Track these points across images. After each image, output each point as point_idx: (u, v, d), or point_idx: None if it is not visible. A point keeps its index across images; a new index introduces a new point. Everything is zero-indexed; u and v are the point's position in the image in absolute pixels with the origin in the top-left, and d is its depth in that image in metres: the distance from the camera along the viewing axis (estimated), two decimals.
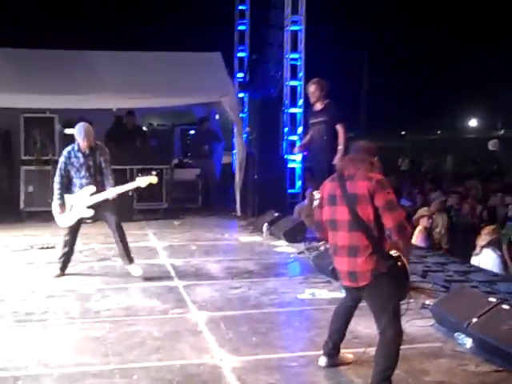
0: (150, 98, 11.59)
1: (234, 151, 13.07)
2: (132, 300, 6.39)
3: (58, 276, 7.27)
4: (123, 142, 12.01)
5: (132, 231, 9.68)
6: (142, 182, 7.37)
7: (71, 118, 12.29)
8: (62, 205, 7.27)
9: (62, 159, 7.32)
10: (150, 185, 7.47)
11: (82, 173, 7.24)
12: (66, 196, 7.30)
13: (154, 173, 7.91)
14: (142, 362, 4.78)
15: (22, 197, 11.61)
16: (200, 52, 12.76)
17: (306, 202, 10.79)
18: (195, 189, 12.57)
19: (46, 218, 11.12)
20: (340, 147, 8.19)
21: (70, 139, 11.76)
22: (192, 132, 14.13)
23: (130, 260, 7.34)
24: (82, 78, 11.50)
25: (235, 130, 12.17)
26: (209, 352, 4.99)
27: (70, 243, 7.40)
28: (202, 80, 11.69)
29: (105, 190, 7.22)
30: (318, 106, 8.61)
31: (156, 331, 5.45)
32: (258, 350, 5.05)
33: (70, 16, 26.80)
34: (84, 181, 7.25)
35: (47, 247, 8.84)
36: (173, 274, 7.52)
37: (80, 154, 7.25)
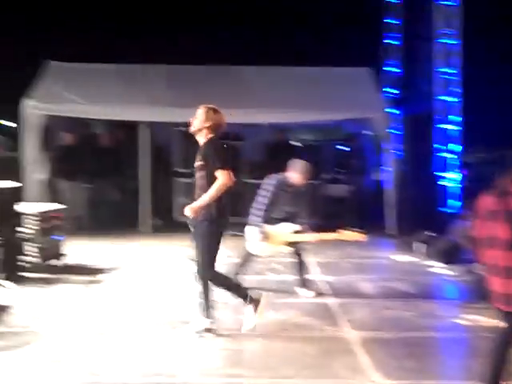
0: (301, 113, 11.64)
1: (384, 168, 12.84)
2: (285, 315, 6.40)
3: None
4: (273, 157, 12.16)
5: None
6: (349, 236, 6.96)
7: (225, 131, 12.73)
8: (265, 232, 7.12)
9: (273, 187, 7.16)
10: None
11: (287, 205, 7.18)
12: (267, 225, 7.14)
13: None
14: (295, 378, 4.77)
15: (177, 208, 12.07)
16: (348, 67, 12.73)
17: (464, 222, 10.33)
18: (347, 205, 12.48)
19: None
20: None
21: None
22: (342, 148, 14.06)
23: (303, 285, 7.27)
24: (233, 93, 11.77)
25: (385, 146, 11.98)
26: (363, 373, 4.88)
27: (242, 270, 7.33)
28: (351, 95, 11.66)
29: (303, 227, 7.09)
30: None
31: (309, 348, 5.41)
32: (412, 374, 4.87)
33: (221, 32, 27.68)
34: (287, 214, 7.17)
35: None
36: (326, 290, 7.47)
37: (289, 187, 7.19)
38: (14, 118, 11.90)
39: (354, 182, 12.65)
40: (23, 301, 6.66)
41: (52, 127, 12.09)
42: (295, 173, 7.22)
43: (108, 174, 11.95)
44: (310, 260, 9.20)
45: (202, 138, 5.69)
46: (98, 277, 7.87)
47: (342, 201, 12.42)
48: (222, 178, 5.36)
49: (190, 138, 11.94)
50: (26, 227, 7.91)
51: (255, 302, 5.70)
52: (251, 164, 12.59)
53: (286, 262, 7.74)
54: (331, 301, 6.99)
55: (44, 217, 8.05)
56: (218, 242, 5.59)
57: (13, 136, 12.45)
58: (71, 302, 6.48)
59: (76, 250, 9.07)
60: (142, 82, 12.17)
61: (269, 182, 7.23)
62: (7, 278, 7.23)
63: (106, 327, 5.71)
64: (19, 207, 7.99)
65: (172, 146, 12.59)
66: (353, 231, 7.00)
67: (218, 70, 12.74)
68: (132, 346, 5.40)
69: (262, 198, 7.12)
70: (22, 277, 7.57)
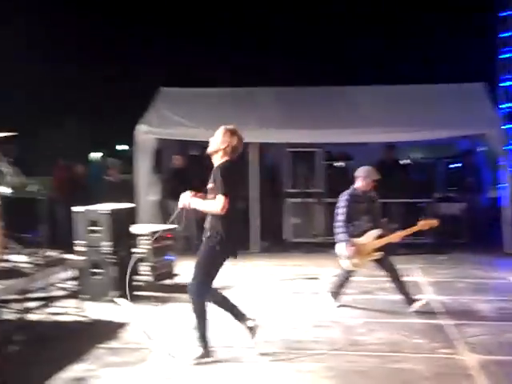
0: (412, 132, 11.40)
1: (501, 185, 12.33)
2: (397, 335, 6.22)
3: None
4: (383, 175, 11.96)
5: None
6: (424, 225, 7.21)
7: (334, 151, 12.69)
8: (353, 245, 7.12)
9: (345, 202, 7.23)
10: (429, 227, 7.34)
11: (364, 215, 7.27)
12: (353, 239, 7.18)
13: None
14: None
15: (287, 228, 12.11)
16: (463, 83, 12.38)
17: None
18: (461, 223, 12.05)
19: (310, 249, 11.58)
20: None
21: (334, 173, 12.30)
22: (456, 165, 13.63)
23: (410, 301, 7.13)
24: (343, 113, 11.78)
25: (502, 163, 11.51)
26: None
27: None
28: (464, 112, 11.35)
29: (386, 232, 7.19)
30: None
31: (424, 370, 5.22)
32: None
33: (329, 53, 27.76)
34: (366, 224, 7.25)
35: (312, 278, 9.00)
36: (439, 310, 7.19)
37: (360, 197, 7.29)
38: (130, 143, 12.37)
39: (467, 199, 12.22)
40: (137, 318, 6.82)
41: (163, 150, 12.49)
42: (361, 180, 7.33)
43: None
44: (421, 280, 8.97)
45: (217, 160, 5.61)
46: None
47: (456, 219, 12.01)
48: (218, 203, 5.32)
49: (300, 159, 12.21)
50: (140, 247, 8.13)
51: (203, 356, 5.50)
52: None
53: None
54: (445, 322, 6.72)
55: (156, 237, 8.24)
56: (219, 265, 5.55)
57: (127, 160, 12.92)
58: (183, 320, 6.56)
59: (187, 269, 9.21)
60: (251, 104, 12.35)
61: (342, 199, 7.31)
62: (121, 296, 7.44)
63: (216, 345, 5.74)
64: (133, 228, 8.23)
65: (281, 166, 12.65)
66: (426, 220, 7.26)
67: (325, 90, 12.84)
68: (243, 366, 5.40)
69: (340, 216, 7.20)
70: (136, 295, 7.78)
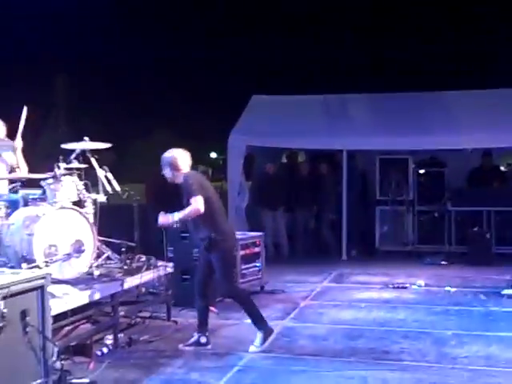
0: (509, 137, 11.02)
1: None
2: (492, 349, 5.97)
3: None
4: (480, 183, 11.68)
5: (490, 275, 9.41)
6: None
7: (424, 158, 12.42)
8: None
9: None
10: None
11: None
12: None
13: None
14: None
15: (377, 236, 11.97)
16: None
17: None
18: None
19: (401, 257, 11.39)
20: None
21: (426, 180, 12.05)
22: None
23: None
24: (435, 119, 11.54)
25: None
26: None
27: None
28: None
29: None
30: None
31: None
32: None
33: (420, 59, 27.22)
34: None
35: (401, 287, 8.84)
36: None
37: None
38: (221, 151, 12.62)
39: None
40: (226, 324, 6.90)
41: (255, 157, 12.62)
42: None
43: (307, 203, 12.13)
44: None
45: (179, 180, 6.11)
46: (298, 303, 7.95)
47: None
48: (194, 204, 5.78)
49: (390, 166, 12.02)
50: None
51: (268, 333, 5.99)
52: (455, 191, 12.11)
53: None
54: None
55: (245, 244, 8.33)
56: (234, 261, 6.34)
57: (219, 167, 13.16)
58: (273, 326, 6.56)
59: (275, 277, 9.27)
60: (343, 111, 12.33)
61: None
62: (212, 303, 7.54)
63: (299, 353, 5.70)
64: None
65: (373, 174, 12.51)
66: None
67: (417, 96, 12.62)
68: (325, 376, 5.35)
69: None
70: (225, 302, 7.89)
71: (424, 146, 11.47)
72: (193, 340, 6.11)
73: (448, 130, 11.23)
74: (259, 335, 5.97)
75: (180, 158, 6.08)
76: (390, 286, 8.94)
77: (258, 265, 8.55)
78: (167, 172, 6.11)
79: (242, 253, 8.15)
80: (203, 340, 6.08)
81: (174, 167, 6.03)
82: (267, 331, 6.01)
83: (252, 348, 5.94)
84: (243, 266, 8.21)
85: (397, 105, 12.11)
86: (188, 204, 5.82)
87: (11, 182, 6.69)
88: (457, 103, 11.93)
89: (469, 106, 11.71)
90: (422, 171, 12.27)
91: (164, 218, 5.93)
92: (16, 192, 6.59)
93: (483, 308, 7.59)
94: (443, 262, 10.82)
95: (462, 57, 26.10)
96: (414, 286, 8.84)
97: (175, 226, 6.13)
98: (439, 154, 12.24)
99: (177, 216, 5.86)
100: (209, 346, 6.06)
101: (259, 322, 6.03)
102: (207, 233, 5.91)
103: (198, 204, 5.75)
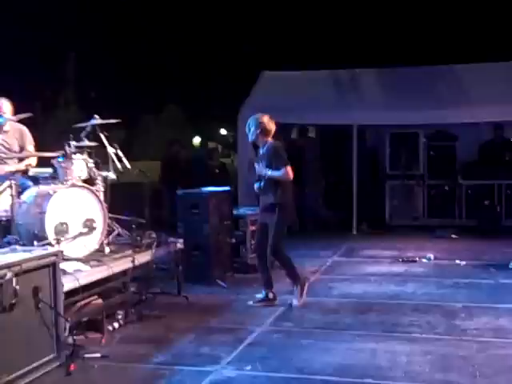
0: None
1: None
2: (501, 321, 6.00)
3: None
4: (492, 156, 11.64)
5: (500, 248, 9.50)
6: None
7: (435, 132, 12.37)
8: None
9: None
10: None
11: None
12: None
13: None
14: None
15: (387, 210, 11.98)
16: None
17: None
18: None
19: (411, 231, 11.40)
20: None
21: (437, 154, 12.01)
22: None
23: None
24: (445, 93, 11.49)
25: None
26: None
27: None
28: None
29: None
30: None
31: None
32: None
33: (428, 32, 26.97)
34: None
35: (411, 260, 8.87)
36: None
37: None
38: (230, 128, 12.61)
39: None
40: (236, 299, 6.96)
41: None
42: None
43: (317, 178, 12.13)
44: None
45: (261, 143, 6.67)
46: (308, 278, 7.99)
47: None
48: (288, 172, 6.42)
49: (401, 140, 11.98)
50: (240, 230, 8.29)
51: (302, 285, 6.57)
52: (466, 164, 12.09)
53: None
54: None
55: (254, 220, 8.35)
56: (285, 228, 6.64)
57: (227, 144, 13.17)
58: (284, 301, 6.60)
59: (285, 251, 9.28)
60: (353, 85, 12.27)
61: None
62: (222, 278, 7.62)
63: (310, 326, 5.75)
64: (234, 210, 8.40)
65: (383, 148, 12.48)
66: None
67: (427, 69, 12.53)
68: (336, 346, 5.39)
69: None
70: (236, 276, 7.96)
71: (435, 119, 11.42)
72: (261, 296, 6.60)
73: (459, 103, 11.17)
74: (296, 291, 6.53)
75: (269, 125, 6.54)
76: (400, 259, 8.97)
77: None
78: (252, 133, 6.54)
79: (252, 228, 8.19)
80: (271, 295, 6.58)
81: (264, 132, 6.50)
82: (303, 284, 6.56)
83: (294, 302, 6.49)
84: (254, 241, 8.24)
85: (407, 79, 12.05)
86: (270, 168, 6.38)
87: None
88: (468, 76, 11.85)
89: (480, 79, 11.62)
90: (433, 145, 12.23)
91: (260, 168, 6.47)
92: (27, 172, 6.66)
93: (493, 281, 7.62)
94: (453, 236, 10.84)
95: (473, 30, 25.84)
96: (423, 260, 8.88)
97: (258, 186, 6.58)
98: (450, 128, 12.19)
99: (270, 173, 6.38)
100: (276, 301, 6.57)
101: (294, 278, 6.59)
102: (274, 198, 6.43)
103: (289, 172, 6.36)
